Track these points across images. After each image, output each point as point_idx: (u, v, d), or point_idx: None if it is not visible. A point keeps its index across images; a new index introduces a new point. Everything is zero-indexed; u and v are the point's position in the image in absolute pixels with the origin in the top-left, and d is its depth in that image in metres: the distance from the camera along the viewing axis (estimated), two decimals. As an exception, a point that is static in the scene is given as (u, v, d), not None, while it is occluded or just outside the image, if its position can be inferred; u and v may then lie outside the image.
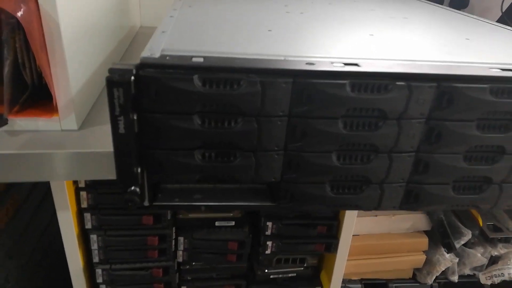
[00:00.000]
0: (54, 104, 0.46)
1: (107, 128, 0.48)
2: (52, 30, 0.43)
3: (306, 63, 0.34)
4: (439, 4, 1.12)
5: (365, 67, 0.34)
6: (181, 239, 0.63)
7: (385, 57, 0.38)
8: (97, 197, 0.56)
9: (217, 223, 0.64)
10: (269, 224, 0.62)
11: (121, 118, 0.32)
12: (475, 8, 1.13)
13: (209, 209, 0.40)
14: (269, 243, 0.63)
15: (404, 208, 0.40)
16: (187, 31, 0.42)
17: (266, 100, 0.33)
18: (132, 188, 0.36)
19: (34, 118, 0.47)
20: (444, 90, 0.34)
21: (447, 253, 0.76)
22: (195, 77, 0.32)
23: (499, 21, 1.00)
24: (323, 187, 0.38)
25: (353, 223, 0.62)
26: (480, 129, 0.36)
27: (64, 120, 0.47)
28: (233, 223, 0.64)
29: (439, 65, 0.36)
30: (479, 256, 0.76)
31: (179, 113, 0.33)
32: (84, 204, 0.56)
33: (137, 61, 0.32)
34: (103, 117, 0.51)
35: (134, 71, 0.31)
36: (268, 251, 0.63)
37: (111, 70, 0.31)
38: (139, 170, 0.35)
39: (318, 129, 0.35)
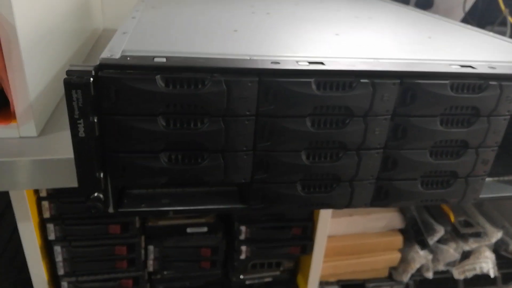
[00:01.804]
0: (12, 111, 0.44)
1: (68, 134, 0.46)
2: (8, 34, 0.41)
3: (272, 62, 0.34)
4: (404, 4, 1.15)
5: (330, 65, 0.34)
6: (151, 247, 0.61)
7: (349, 55, 0.38)
8: (60, 206, 0.54)
9: (188, 230, 0.63)
10: (243, 228, 0.61)
11: (81, 121, 0.30)
12: (439, 8, 1.17)
13: (178, 213, 0.38)
14: (244, 248, 0.62)
15: (375, 205, 0.40)
16: (149, 32, 0.41)
17: (232, 100, 0.32)
18: (95, 194, 0.35)
19: (-10, 126, 0.45)
20: (407, 86, 0.35)
21: (421, 250, 0.77)
22: (158, 77, 0.31)
23: (462, 21, 1.04)
24: (294, 186, 0.37)
25: (328, 223, 0.62)
26: (443, 124, 0.37)
27: (23, 127, 0.45)
28: (205, 229, 0.63)
29: (402, 62, 0.37)
30: (451, 251, 0.77)
31: (142, 114, 0.32)
32: (47, 214, 0.54)
33: (97, 62, 0.31)
34: (65, 122, 0.49)
35: (93, 73, 0.30)
36: (242, 256, 0.63)
37: (69, 72, 0.30)
38: (101, 175, 0.33)
39: (286, 127, 0.34)
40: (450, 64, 0.37)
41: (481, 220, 0.83)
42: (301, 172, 0.37)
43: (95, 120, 0.31)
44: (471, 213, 0.84)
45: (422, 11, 0.70)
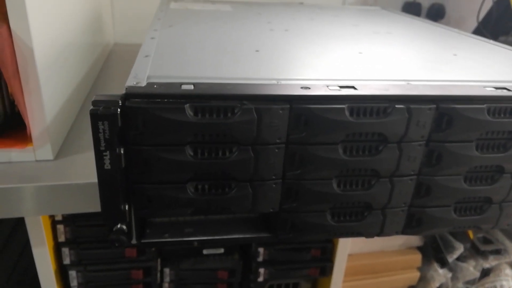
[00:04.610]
0: (28, 134, 0.43)
1: (85, 157, 0.45)
2: (25, 56, 0.40)
3: (301, 87, 0.33)
4: (416, 15, 1.14)
5: (363, 90, 0.33)
6: (166, 270, 0.59)
7: (379, 77, 0.37)
8: (75, 230, 0.52)
9: (205, 251, 0.61)
10: (261, 250, 0.60)
11: (107, 153, 0.29)
12: (451, 18, 1.15)
13: (203, 244, 0.37)
14: (262, 270, 0.60)
15: (407, 232, 0.38)
16: (172, 54, 0.40)
17: (262, 128, 0.31)
18: (118, 226, 0.33)
19: (7, 149, 0.43)
20: (443, 111, 0.33)
21: (441, 268, 0.75)
22: (187, 106, 0.30)
23: (475, 31, 1.02)
24: (324, 215, 0.36)
25: (348, 245, 0.60)
26: (479, 149, 0.36)
27: (39, 150, 0.44)
28: (222, 250, 0.61)
29: (436, 85, 0.35)
30: (471, 269, 0.75)
31: (169, 144, 0.31)
32: (62, 238, 0.52)
33: (122, 91, 0.30)
34: (80, 144, 0.48)
35: (120, 103, 0.29)
36: (260, 279, 0.61)
37: (95, 102, 0.28)
38: (126, 207, 0.32)
39: (317, 155, 0.33)
40: (484, 86, 0.36)
41: (500, 236, 0.81)
42: (332, 201, 0.35)
43: (121, 152, 0.30)
44: (490, 229, 0.82)
45: (438, 24, 0.69)
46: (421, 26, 0.67)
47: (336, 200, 0.35)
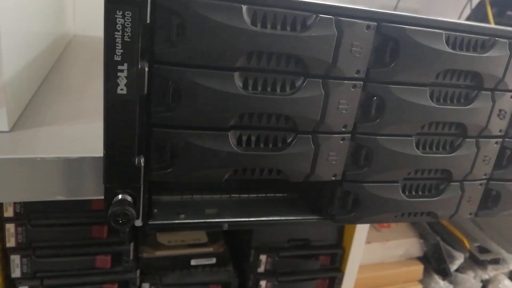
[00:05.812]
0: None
1: (49, 130, 0.33)
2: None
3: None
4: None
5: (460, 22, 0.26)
6: (146, 286, 0.47)
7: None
8: (31, 231, 0.39)
9: (193, 262, 0.50)
10: (263, 258, 0.49)
11: (124, 67, 0.19)
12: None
13: (234, 227, 0.27)
14: (263, 282, 0.50)
15: (481, 214, 0.31)
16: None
17: (341, 51, 0.23)
18: (119, 196, 0.22)
19: None
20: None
21: (442, 280, 0.69)
22: (244, 8, 0.21)
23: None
24: (396, 188, 0.27)
25: (361, 251, 0.52)
26: None
27: (-10, 117, 0.32)
28: (213, 260, 0.50)
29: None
30: (472, 281, 0.70)
31: (212, 67, 0.21)
32: (11, 243, 0.39)
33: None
34: (42, 119, 0.35)
35: (147, -9, 0.19)
36: (261, 293, 0.50)
37: (109, -15, 0.18)
38: (142, 161, 0.21)
39: (401, 99, 0.25)
40: None
41: (494, 245, 0.77)
42: (408, 166, 0.27)
43: (146, 69, 0.20)
44: (480, 238, 0.78)
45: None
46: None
47: (414, 165, 0.27)
